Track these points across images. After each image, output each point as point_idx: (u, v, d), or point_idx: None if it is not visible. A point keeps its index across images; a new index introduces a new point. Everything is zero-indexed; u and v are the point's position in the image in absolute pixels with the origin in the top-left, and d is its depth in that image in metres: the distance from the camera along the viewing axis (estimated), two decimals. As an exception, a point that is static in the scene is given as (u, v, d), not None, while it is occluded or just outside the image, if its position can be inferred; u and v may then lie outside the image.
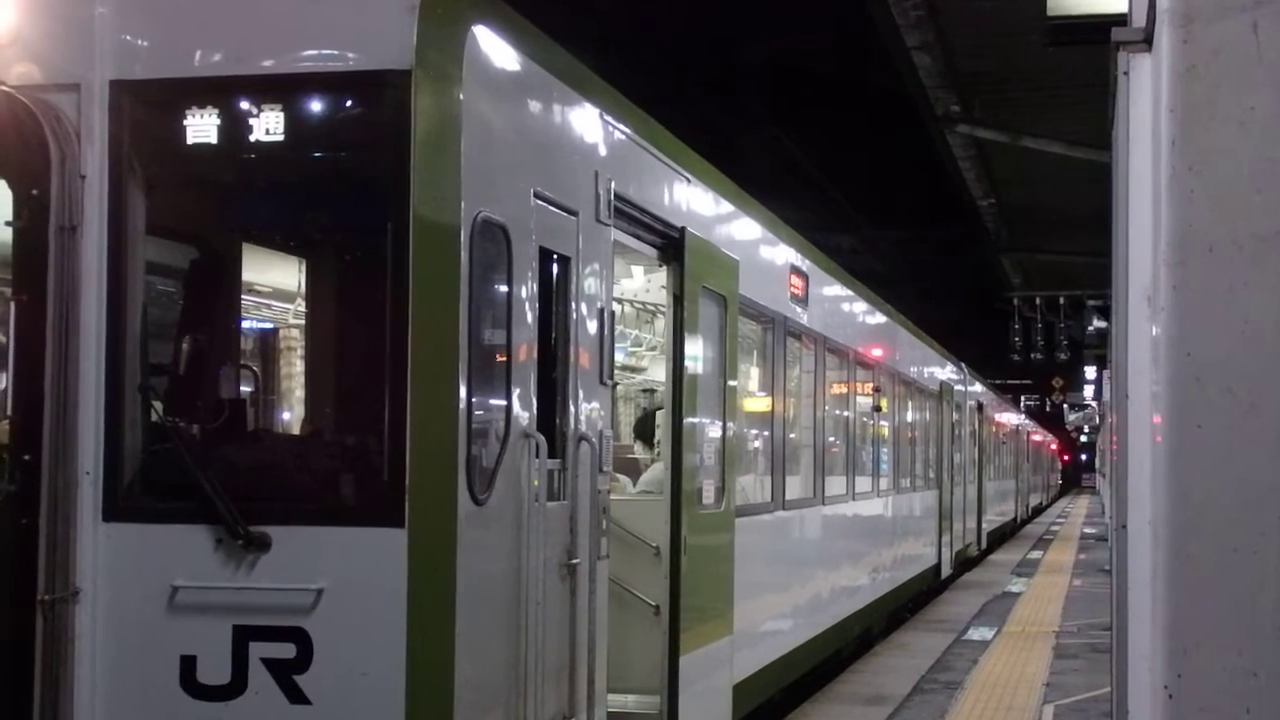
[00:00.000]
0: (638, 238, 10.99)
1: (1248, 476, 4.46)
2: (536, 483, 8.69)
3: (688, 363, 11.67)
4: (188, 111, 7.80)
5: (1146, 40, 5.08)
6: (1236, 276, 4.49)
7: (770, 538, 15.37)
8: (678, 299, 11.63)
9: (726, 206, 13.63)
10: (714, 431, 12.80)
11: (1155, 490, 4.64)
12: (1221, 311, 4.49)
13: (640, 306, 15.89)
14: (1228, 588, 4.47)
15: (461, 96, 7.96)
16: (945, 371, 32.65)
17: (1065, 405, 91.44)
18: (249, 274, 9.94)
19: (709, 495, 12.49)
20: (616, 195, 10.07)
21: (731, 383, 13.19)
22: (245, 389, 8.77)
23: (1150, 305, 4.82)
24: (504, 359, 8.47)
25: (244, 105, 7.77)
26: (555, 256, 9.18)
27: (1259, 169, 4.49)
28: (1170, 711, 4.52)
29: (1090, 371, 69.16)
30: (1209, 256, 4.50)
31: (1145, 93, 5.13)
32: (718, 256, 12.73)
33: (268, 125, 7.74)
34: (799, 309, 16.72)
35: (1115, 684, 5.44)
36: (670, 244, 11.57)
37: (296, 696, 7.55)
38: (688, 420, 11.68)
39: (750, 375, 15.70)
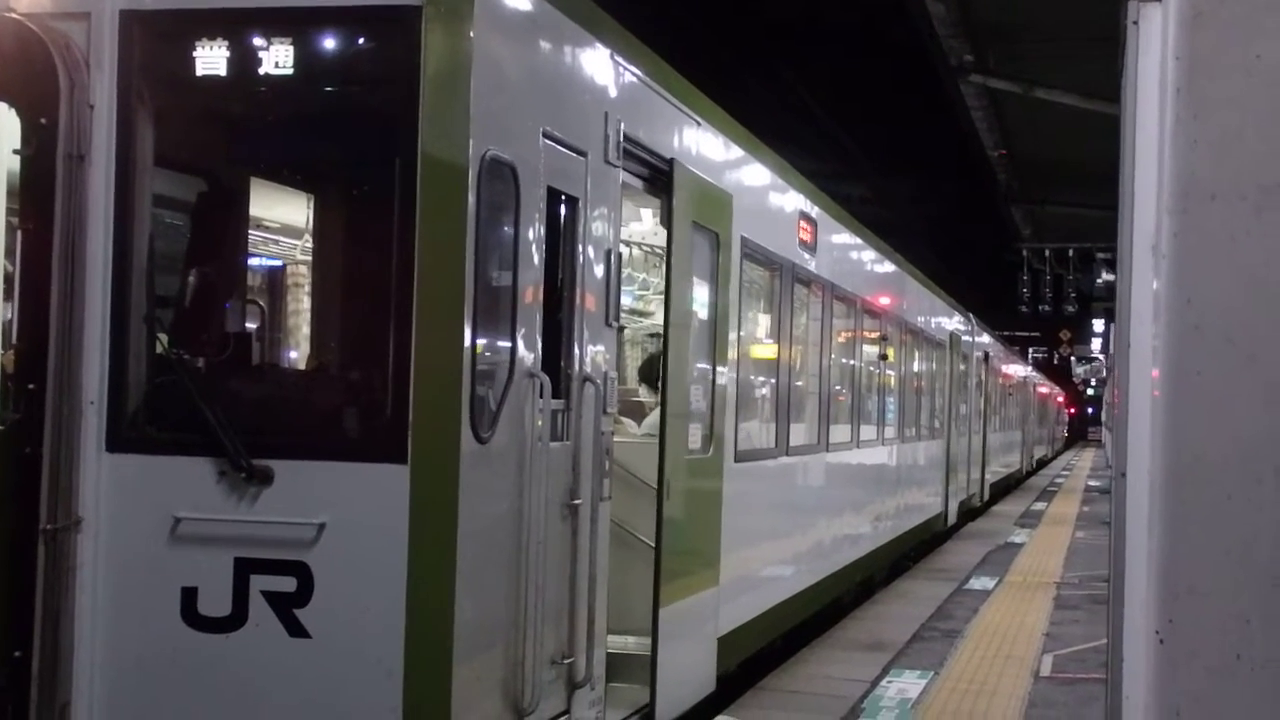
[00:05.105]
0: (642, 179, 10.89)
1: (1244, 425, 4.47)
2: (540, 423, 8.71)
3: (674, 302, 11.39)
4: (197, 43, 7.79)
5: (1156, -11, 5.08)
6: (1239, 225, 4.49)
7: (774, 483, 15.39)
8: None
9: (736, 151, 13.59)
10: (703, 374, 12.42)
11: (1153, 437, 4.65)
12: (1223, 260, 4.50)
13: (648, 250, 15.84)
14: (1222, 534, 4.49)
15: (472, 34, 7.94)
16: (953, 321, 32.61)
17: (1072, 358, 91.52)
18: (257, 209, 9.93)
19: (695, 441, 12.15)
20: (626, 137, 10.05)
21: (725, 324, 12.88)
22: (251, 323, 8.78)
23: (1154, 254, 4.83)
24: (510, 298, 8.47)
25: (253, 38, 7.75)
26: (563, 197, 9.16)
27: (1264, 118, 4.49)
28: (1161, 656, 4.54)
29: (1098, 324, 69.22)
30: (1211, 205, 4.51)
31: (1154, 42, 5.11)
32: (712, 192, 12.58)
33: (277, 59, 7.73)
34: (807, 255, 16.69)
35: (1111, 629, 5.47)
36: (661, 178, 11.35)
37: (296, 630, 7.60)
38: (673, 361, 11.35)
39: (757, 320, 15.64)
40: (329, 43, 7.88)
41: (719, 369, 12.72)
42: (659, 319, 16.78)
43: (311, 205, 9.88)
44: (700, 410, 12.27)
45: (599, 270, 9.68)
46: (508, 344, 8.45)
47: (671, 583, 11.13)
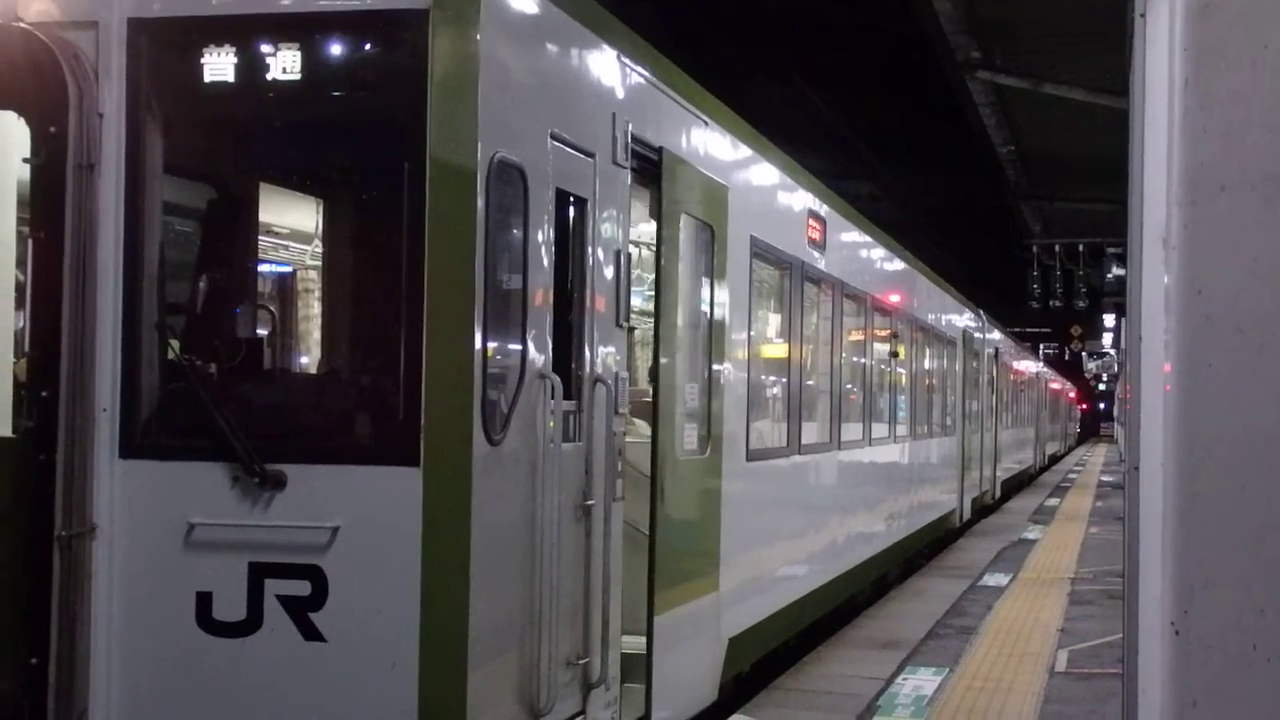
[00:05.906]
0: (643, 173, 10.74)
1: (1256, 416, 4.45)
2: (552, 424, 8.71)
3: (665, 298, 11.03)
4: (205, 50, 7.81)
5: (1164, -19, 5.07)
6: (1248, 216, 4.48)
7: (786, 482, 15.37)
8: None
9: (744, 150, 13.58)
10: (700, 372, 12.04)
11: (1166, 429, 4.65)
12: (1232, 250, 4.49)
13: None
14: (1236, 526, 4.48)
15: (479, 37, 7.95)
16: (964, 318, 32.60)
17: (1084, 353, 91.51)
18: (267, 215, 9.94)
19: (691, 442, 11.81)
20: (633, 137, 10.05)
21: (725, 321, 12.57)
22: (262, 329, 8.79)
23: (1164, 246, 4.82)
24: (520, 300, 8.48)
25: (261, 44, 7.77)
26: (572, 198, 9.17)
27: (1272, 108, 4.48)
28: (1177, 648, 4.53)
29: (1109, 319, 69.19)
30: (1221, 195, 4.50)
31: (1162, 34, 5.11)
32: (707, 184, 12.52)
33: (284, 64, 7.75)
34: (816, 253, 16.67)
35: (1126, 623, 5.47)
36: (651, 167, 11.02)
37: (311, 634, 7.61)
38: (664, 358, 11.00)
39: (765, 318, 15.60)
40: (336, 48, 7.88)
41: (718, 367, 12.43)
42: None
43: (321, 210, 9.89)
44: (696, 410, 11.97)
45: (609, 271, 9.68)
46: (518, 346, 8.46)
47: (667, 590, 10.88)
